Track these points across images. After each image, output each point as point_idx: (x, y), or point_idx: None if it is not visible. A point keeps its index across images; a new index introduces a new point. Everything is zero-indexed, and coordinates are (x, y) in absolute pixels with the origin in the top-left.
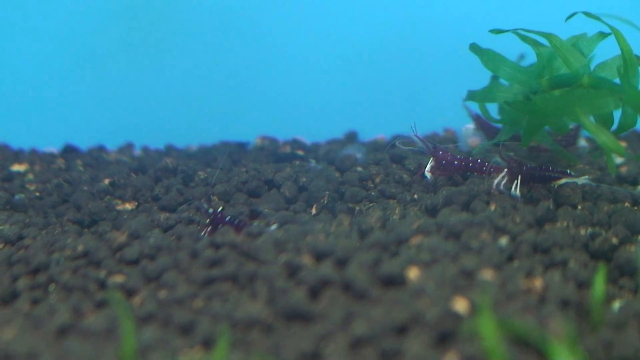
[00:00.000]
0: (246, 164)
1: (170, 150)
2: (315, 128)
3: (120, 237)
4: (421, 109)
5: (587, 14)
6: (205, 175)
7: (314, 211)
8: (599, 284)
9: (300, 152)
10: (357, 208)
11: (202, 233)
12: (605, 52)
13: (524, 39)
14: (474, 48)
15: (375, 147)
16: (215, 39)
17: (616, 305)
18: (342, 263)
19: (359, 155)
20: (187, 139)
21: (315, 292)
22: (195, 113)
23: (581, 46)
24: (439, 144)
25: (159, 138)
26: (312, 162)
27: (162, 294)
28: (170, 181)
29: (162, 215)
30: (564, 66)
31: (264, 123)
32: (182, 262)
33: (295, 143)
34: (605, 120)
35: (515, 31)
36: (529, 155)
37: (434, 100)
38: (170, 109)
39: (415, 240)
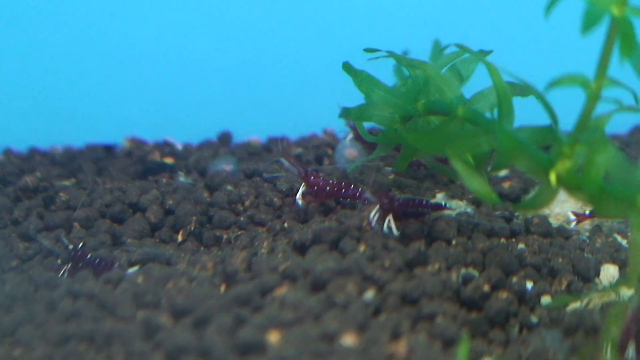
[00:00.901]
0: (112, 174)
1: (33, 154)
2: (189, 127)
3: None
4: (299, 108)
5: (459, 46)
6: (68, 197)
7: (180, 238)
8: (462, 354)
9: (170, 161)
10: (226, 236)
11: (62, 272)
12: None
13: (400, 60)
14: (347, 68)
15: (249, 151)
16: (84, 26)
17: None
18: (201, 323)
19: (230, 167)
20: (53, 138)
21: (172, 359)
22: (63, 109)
23: (459, 67)
24: (317, 147)
25: (22, 137)
26: (181, 176)
27: (17, 353)
28: (30, 202)
29: (22, 245)
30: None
31: (135, 121)
32: (39, 315)
33: (166, 146)
34: (480, 158)
35: (390, 53)
36: (407, 170)
37: (313, 99)
38: (35, 104)
39: (280, 291)
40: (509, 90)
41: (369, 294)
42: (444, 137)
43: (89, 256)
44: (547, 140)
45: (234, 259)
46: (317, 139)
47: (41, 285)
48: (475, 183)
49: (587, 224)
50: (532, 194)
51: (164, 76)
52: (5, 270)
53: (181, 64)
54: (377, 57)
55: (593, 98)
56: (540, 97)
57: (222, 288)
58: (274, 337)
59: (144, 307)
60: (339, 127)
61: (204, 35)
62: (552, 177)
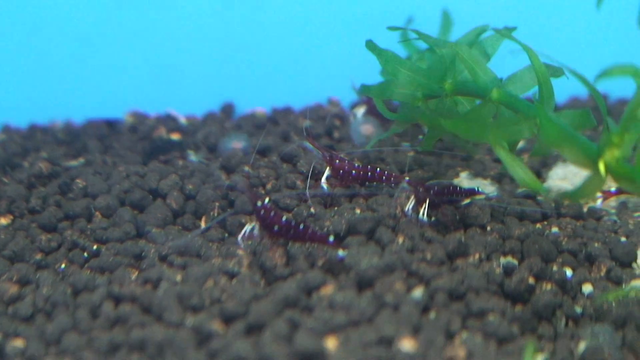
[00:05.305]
0: (119, 153)
1: (34, 131)
2: (189, 97)
3: (11, 288)
4: (301, 76)
5: (496, 30)
6: (85, 184)
7: (203, 225)
8: None
9: (176, 137)
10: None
11: (244, 232)
12: None
13: (425, 39)
14: (371, 47)
15: (254, 123)
16: None
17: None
18: (254, 329)
19: (240, 145)
20: (50, 111)
21: None
22: (59, 82)
23: (485, 45)
24: (325, 118)
25: (18, 112)
26: (191, 154)
27: None
28: (46, 190)
29: (44, 237)
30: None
31: (133, 92)
32: (82, 321)
33: (170, 120)
34: (513, 141)
35: (415, 31)
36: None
37: (314, 67)
38: (31, 78)
39: (326, 290)
40: (548, 73)
41: (417, 292)
42: (483, 124)
43: (284, 219)
44: (585, 125)
45: (272, 252)
46: (323, 109)
47: (79, 287)
48: (520, 172)
49: (612, 201)
50: (579, 183)
51: (161, 45)
52: (30, 264)
53: (179, 31)
54: (399, 29)
55: None
56: (587, 84)
57: (262, 283)
58: (331, 344)
59: (191, 311)
60: (343, 94)
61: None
62: (601, 167)
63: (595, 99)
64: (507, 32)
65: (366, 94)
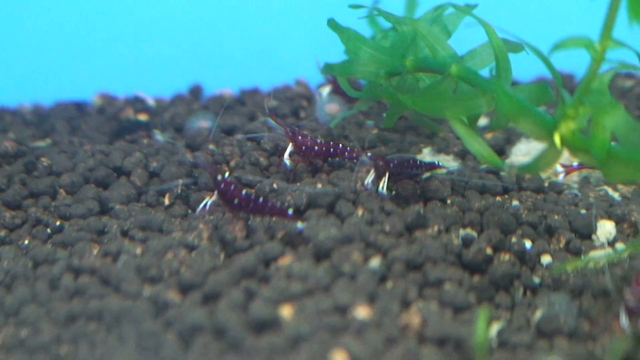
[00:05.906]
0: (86, 133)
1: (3, 114)
2: (158, 80)
3: None
4: (269, 58)
5: (454, 6)
6: (50, 162)
7: (167, 201)
8: (481, 329)
9: (144, 118)
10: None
11: (204, 204)
12: None
13: (387, 17)
14: (333, 25)
15: (222, 104)
16: None
17: (494, 329)
18: (211, 298)
19: (207, 124)
20: (20, 95)
21: (186, 339)
22: (28, 65)
23: (446, 22)
24: (292, 99)
25: None
26: (158, 134)
27: (24, 333)
28: (12, 168)
29: (8, 214)
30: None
31: (102, 75)
32: (41, 293)
33: (138, 102)
34: (472, 117)
35: (378, 10)
36: None
37: (283, 49)
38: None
39: (284, 261)
40: (505, 48)
41: (375, 262)
42: (441, 99)
43: (243, 193)
44: (543, 99)
45: (232, 226)
46: (291, 90)
47: (39, 260)
48: (477, 146)
49: (575, 176)
50: (535, 155)
51: (130, 28)
52: None
53: (148, 15)
54: (362, 7)
55: (598, 60)
56: (543, 57)
57: (222, 256)
58: (286, 312)
59: (149, 282)
60: (311, 76)
61: None
62: (557, 139)
63: (550, 72)
64: (467, 9)
65: (330, 73)
